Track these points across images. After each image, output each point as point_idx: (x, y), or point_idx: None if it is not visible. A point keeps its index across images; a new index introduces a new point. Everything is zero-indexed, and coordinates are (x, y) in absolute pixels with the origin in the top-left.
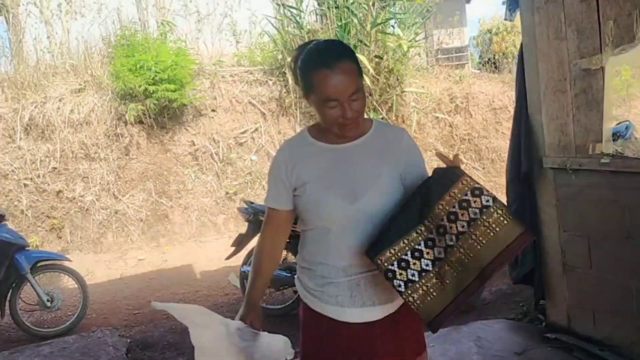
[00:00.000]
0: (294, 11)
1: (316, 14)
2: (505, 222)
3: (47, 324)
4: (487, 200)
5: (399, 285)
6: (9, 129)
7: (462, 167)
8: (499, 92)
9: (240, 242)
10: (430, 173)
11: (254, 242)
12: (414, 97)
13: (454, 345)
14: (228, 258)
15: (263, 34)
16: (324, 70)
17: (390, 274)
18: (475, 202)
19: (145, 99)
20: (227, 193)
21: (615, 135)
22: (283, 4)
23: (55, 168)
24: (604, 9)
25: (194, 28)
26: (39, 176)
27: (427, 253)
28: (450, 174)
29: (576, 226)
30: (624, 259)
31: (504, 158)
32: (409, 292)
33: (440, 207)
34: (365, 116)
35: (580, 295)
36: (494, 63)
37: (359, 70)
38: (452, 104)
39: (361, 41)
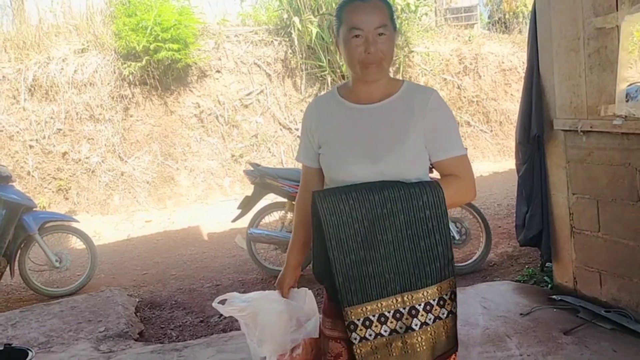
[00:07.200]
0: None
1: None
2: (453, 333)
3: (56, 284)
4: (454, 308)
5: (355, 338)
6: (12, 89)
7: (470, 130)
8: (509, 52)
9: (246, 205)
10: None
11: (260, 205)
12: (421, 58)
13: (460, 306)
14: (235, 220)
15: None
16: (356, 1)
17: (352, 326)
18: (447, 304)
19: (147, 58)
20: (232, 155)
21: (627, 97)
22: None
23: (60, 129)
24: None
25: None
26: (44, 137)
27: (391, 322)
28: (449, 264)
29: (585, 189)
30: (632, 222)
31: (512, 120)
32: (360, 345)
33: (425, 293)
34: None
35: (587, 258)
36: (504, 23)
37: (390, 15)
38: (461, 65)
39: None
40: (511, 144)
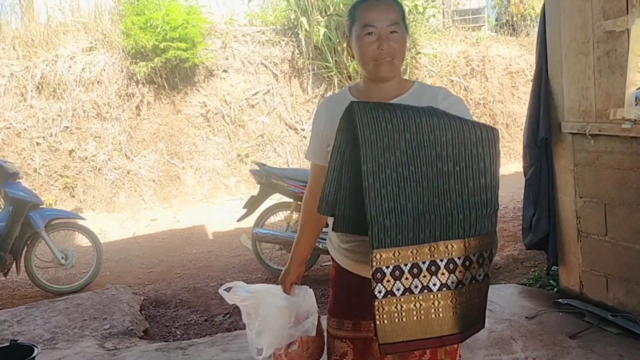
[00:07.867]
0: None
1: None
2: (485, 303)
3: (61, 281)
4: (489, 271)
5: (380, 292)
6: (20, 87)
7: None
8: (516, 55)
9: (252, 204)
10: None
11: (266, 204)
12: (429, 59)
13: None
14: (240, 220)
15: None
16: (370, 0)
17: (379, 275)
18: (486, 265)
19: (156, 57)
20: (238, 155)
21: (636, 100)
22: None
23: (67, 127)
24: None
25: None
26: (51, 135)
27: (424, 276)
28: (494, 215)
29: (593, 192)
30: None
31: (519, 123)
32: (383, 302)
33: (466, 244)
34: None
35: (593, 262)
36: (512, 25)
37: (402, 16)
38: (468, 67)
39: None
40: (518, 146)
